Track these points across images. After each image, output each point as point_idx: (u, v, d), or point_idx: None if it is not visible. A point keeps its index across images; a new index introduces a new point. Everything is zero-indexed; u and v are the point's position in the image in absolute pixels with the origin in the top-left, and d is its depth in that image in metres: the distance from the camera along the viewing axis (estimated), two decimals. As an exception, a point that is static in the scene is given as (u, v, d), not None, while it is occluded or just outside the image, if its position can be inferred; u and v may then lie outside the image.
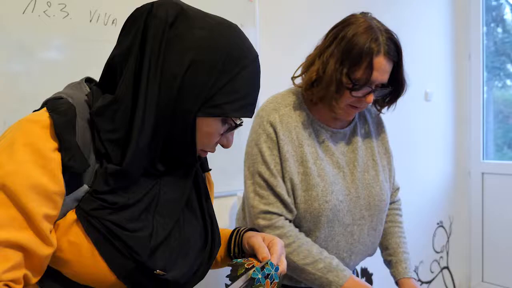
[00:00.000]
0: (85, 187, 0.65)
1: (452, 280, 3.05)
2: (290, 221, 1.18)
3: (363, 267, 2.46)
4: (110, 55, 0.72)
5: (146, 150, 0.69)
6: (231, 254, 0.90)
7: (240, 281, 0.72)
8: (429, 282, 2.88)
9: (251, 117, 0.75)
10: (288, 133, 1.18)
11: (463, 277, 3.10)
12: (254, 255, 0.81)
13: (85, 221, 0.64)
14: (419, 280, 2.80)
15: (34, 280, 0.64)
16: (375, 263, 2.46)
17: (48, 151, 0.62)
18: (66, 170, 0.63)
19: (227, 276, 0.77)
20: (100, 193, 0.65)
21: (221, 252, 0.91)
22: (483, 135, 2.99)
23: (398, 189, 1.45)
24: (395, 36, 1.15)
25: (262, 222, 1.14)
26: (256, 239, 0.82)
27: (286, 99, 1.25)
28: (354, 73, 1.12)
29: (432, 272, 2.90)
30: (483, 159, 2.99)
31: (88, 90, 0.72)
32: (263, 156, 1.17)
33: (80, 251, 0.64)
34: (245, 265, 0.75)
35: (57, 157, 0.62)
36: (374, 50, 1.09)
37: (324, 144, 1.23)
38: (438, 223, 2.93)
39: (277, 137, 1.17)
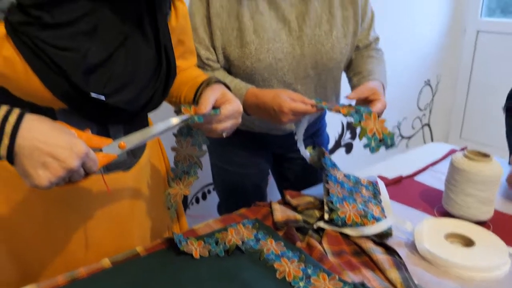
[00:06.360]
0: None
1: (431, 136, 3.20)
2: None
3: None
4: None
5: None
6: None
7: (177, 119, 0.75)
8: (409, 138, 3.03)
9: None
10: None
11: (442, 133, 3.25)
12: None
13: (15, 36, 0.63)
14: (400, 135, 2.93)
15: None
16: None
17: None
18: None
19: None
20: (25, 6, 0.62)
21: (188, 98, 0.88)
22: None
23: (377, 39, 1.29)
24: None
25: None
26: (206, 93, 0.79)
27: None
28: None
29: (413, 128, 3.03)
30: (481, 16, 2.88)
31: None
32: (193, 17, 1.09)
33: (14, 67, 0.65)
34: (182, 109, 0.77)
35: None
36: None
37: None
38: (425, 81, 2.95)
39: None
